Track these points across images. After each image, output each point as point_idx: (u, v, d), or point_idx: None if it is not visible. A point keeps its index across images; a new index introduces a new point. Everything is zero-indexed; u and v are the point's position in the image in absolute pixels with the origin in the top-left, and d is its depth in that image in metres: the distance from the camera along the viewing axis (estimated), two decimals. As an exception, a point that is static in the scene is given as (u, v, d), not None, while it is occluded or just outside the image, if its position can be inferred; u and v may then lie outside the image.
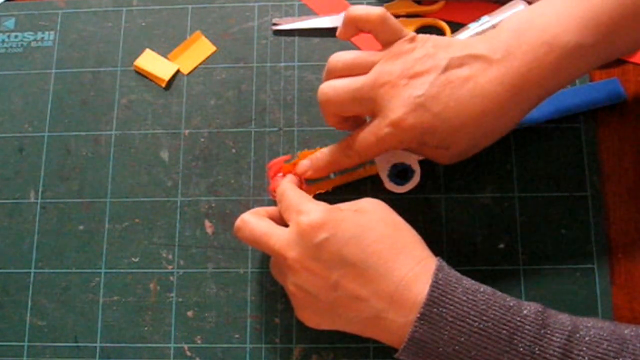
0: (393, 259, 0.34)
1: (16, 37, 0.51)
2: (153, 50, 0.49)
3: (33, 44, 0.50)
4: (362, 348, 0.42)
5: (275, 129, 0.47)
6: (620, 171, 0.44)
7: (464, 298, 0.32)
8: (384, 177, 0.44)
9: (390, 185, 0.44)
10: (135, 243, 0.45)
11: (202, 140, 0.47)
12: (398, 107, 0.36)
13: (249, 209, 0.44)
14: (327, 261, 0.34)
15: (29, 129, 0.48)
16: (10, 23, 0.51)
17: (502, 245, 0.43)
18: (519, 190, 0.44)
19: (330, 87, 0.38)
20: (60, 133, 0.48)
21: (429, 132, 0.36)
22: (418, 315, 0.32)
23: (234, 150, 0.47)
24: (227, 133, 0.47)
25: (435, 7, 0.48)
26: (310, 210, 0.36)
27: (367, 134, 0.38)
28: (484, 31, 0.44)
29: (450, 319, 0.32)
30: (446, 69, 0.35)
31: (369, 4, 0.49)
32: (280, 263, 0.37)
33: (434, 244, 0.43)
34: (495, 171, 0.44)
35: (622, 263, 0.43)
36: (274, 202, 0.45)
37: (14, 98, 0.49)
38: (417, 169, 0.44)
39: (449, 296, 0.32)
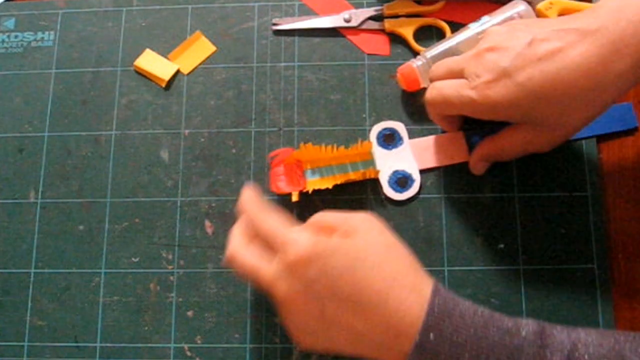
0: (386, 289, 0.33)
1: (16, 37, 0.51)
2: (153, 50, 0.49)
3: (33, 44, 0.50)
4: (362, 348, 0.42)
5: (275, 129, 0.47)
6: (620, 171, 0.44)
7: (461, 323, 0.31)
8: (384, 182, 0.44)
9: (389, 192, 0.44)
10: (135, 243, 0.45)
11: (202, 140, 0.47)
12: (483, 73, 0.36)
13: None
14: (319, 297, 0.33)
15: (29, 129, 0.48)
16: (10, 23, 0.51)
17: (502, 245, 0.43)
18: (519, 190, 0.44)
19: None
20: (60, 133, 0.48)
21: (513, 104, 0.36)
22: (414, 344, 0.31)
23: (234, 150, 0.47)
24: (227, 133, 0.47)
25: (435, 7, 0.48)
26: (296, 242, 0.34)
27: (451, 87, 0.38)
28: (484, 31, 0.44)
29: (447, 346, 0.31)
30: (532, 41, 0.35)
31: (368, 4, 0.49)
32: (272, 297, 0.35)
33: (434, 244, 0.43)
34: (495, 171, 0.44)
35: (622, 263, 0.43)
36: (273, 200, 0.45)
37: (14, 98, 0.49)
38: (417, 178, 0.44)
39: (446, 322, 0.32)
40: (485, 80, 0.36)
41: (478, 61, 0.37)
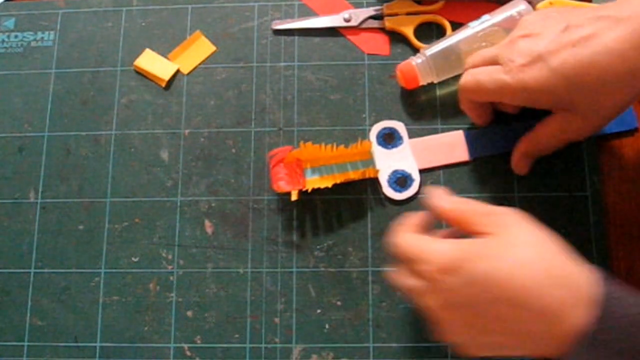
0: (538, 287, 0.31)
1: (16, 37, 0.51)
2: (153, 50, 0.49)
3: (33, 44, 0.50)
4: (362, 348, 0.42)
5: (275, 128, 0.47)
6: (620, 171, 0.44)
7: (632, 319, 0.29)
8: (384, 182, 0.44)
9: (388, 192, 0.44)
10: (135, 243, 0.45)
11: (202, 140, 0.47)
12: (517, 57, 0.37)
13: (249, 208, 0.45)
14: (468, 303, 0.32)
15: (29, 129, 0.48)
16: (10, 23, 0.51)
17: (502, 245, 0.43)
18: (519, 190, 0.44)
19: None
20: (60, 133, 0.48)
21: (547, 88, 0.36)
22: (577, 340, 0.29)
23: (234, 150, 0.47)
24: (227, 133, 0.47)
25: (435, 6, 0.48)
26: (435, 253, 0.33)
27: (485, 72, 0.39)
28: (484, 29, 0.44)
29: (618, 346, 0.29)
30: (567, 28, 0.36)
31: (368, 4, 0.49)
32: (425, 312, 0.35)
33: (434, 244, 0.43)
34: (496, 171, 0.44)
35: (622, 263, 0.43)
36: (273, 199, 0.45)
37: (14, 98, 0.49)
38: (417, 178, 0.44)
39: (616, 322, 0.29)
40: (520, 64, 0.37)
41: (512, 47, 0.38)
